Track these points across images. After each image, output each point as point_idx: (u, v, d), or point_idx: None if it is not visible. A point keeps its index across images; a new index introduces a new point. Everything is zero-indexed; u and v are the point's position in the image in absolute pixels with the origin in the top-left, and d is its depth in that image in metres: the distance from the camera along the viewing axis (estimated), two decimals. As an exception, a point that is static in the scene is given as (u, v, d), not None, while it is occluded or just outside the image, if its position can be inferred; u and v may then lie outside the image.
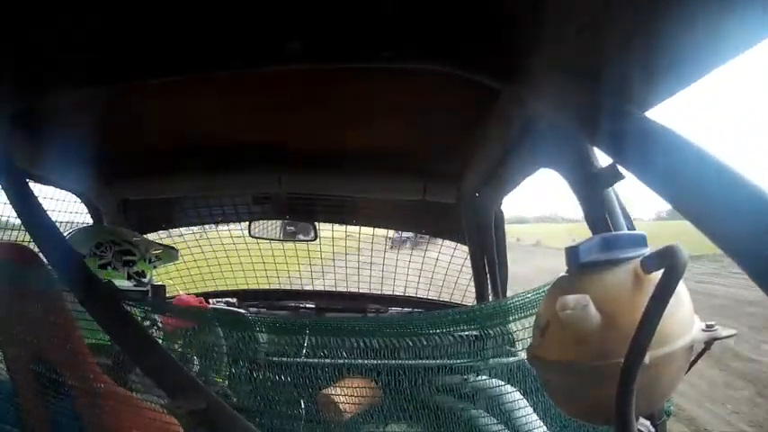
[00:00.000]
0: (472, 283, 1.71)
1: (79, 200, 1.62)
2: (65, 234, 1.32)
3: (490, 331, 0.96)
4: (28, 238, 0.80)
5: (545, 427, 0.96)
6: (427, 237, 2.07)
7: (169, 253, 1.57)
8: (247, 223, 2.01)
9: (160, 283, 1.78)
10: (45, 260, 0.77)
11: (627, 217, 0.73)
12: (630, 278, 0.44)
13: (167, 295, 1.95)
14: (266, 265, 2.11)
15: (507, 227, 1.51)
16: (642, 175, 0.49)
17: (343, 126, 1.25)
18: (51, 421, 0.80)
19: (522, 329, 0.94)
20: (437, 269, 1.96)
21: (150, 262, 1.50)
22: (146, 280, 1.46)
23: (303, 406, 0.99)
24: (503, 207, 1.45)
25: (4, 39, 0.66)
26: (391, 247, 2.36)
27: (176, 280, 2.12)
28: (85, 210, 1.64)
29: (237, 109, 1.15)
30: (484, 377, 1.04)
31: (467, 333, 1.00)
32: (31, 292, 0.82)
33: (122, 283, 1.38)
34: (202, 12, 0.66)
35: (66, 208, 1.55)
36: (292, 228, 2.08)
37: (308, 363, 0.96)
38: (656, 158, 0.47)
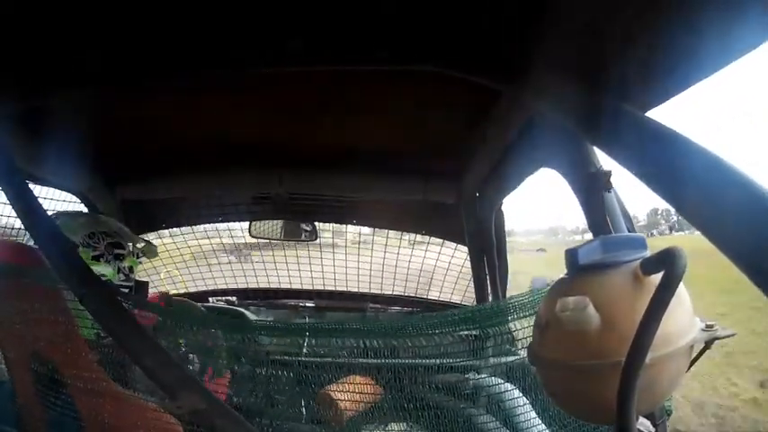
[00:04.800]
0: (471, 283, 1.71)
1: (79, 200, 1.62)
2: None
3: (490, 331, 0.96)
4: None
5: (544, 426, 0.96)
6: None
7: (150, 248, 1.55)
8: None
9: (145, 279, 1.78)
10: (45, 259, 0.77)
11: (627, 218, 0.73)
12: (630, 280, 0.44)
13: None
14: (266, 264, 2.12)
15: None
16: (642, 175, 0.49)
17: (343, 126, 1.25)
18: (51, 421, 0.80)
19: (522, 329, 0.94)
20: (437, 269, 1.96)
21: (137, 257, 1.49)
22: (133, 276, 1.45)
23: (304, 405, 0.99)
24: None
25: (5, 38, 0.66)
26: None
27: (176, 278, 2.12)
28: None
29: (238, 109, 1.15)
30: (484, 376, 1.04)
31: (467, 333, 1.00)
32: (31, 292, 0.82)
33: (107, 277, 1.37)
34: (203, 14, 0.66)
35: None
36: (292, 227, 2.07)
37: (308, 362, 0.96)
38: (656, 158, 0.47)
